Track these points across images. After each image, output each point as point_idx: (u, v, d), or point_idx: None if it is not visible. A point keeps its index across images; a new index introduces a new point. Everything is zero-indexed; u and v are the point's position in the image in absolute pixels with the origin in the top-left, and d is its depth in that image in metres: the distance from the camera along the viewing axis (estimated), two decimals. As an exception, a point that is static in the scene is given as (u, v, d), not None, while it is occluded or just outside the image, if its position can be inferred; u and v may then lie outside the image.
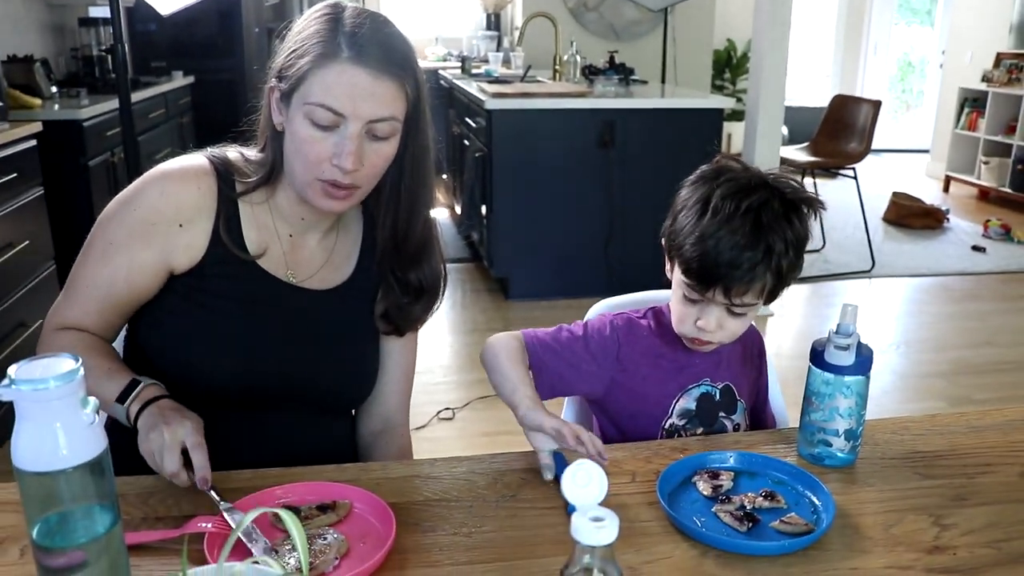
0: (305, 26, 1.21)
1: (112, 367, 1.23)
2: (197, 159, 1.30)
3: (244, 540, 1.00)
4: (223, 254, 1.27)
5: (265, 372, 1.30)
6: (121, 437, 1.29)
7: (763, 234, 1.22)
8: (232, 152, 1.33)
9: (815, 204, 1.29)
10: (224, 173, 1.29)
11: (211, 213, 1.27)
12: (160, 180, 1.27)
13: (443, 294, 1.43)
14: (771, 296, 1.30)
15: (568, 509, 1.08)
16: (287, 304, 1.32)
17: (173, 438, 1.08)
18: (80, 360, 0.81)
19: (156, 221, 1.25)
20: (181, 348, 1.28)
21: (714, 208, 1.24)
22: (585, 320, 1.45)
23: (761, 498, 1.13)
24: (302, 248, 1.35)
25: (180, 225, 1.25)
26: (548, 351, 1.35)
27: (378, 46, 1.17)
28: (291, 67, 1.19)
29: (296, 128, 1.19)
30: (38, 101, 3.98)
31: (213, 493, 1.07)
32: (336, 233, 1.38)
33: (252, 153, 1.33)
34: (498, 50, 7.06)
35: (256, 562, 0.78)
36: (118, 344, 1.38)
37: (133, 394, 1.17)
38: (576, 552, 0.68)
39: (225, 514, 1.04)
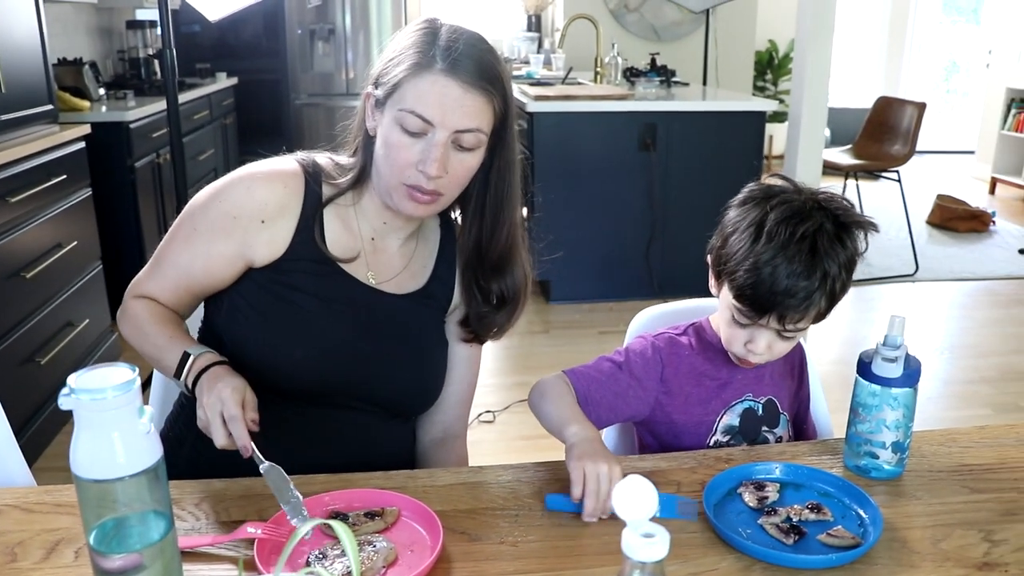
0: (403, 38, 1.26)
1: (174, 335, 1.29)
2: (287, 161, 1.36)
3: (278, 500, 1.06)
4: (304, 252, 1.32)
5: (337, 369, 1.33)
6: (174, 444, 1.33)
7: (819, 261, 1.21)
8: (322, 157, 1.38)
9: (868, 227, 1.28)
10: (312, 175, 1.34)
11: (296, 212, 1.32)
12: (248, 178, 1.32)
13: (524, 306, 1.45)
14: (822, 318, 1.29)
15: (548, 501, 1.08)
16: (364, 305, 1.35)
17: (213, 411, 1.13)
18: (137, 371, 0.82)
19: (238, 215, 1.30)
20: (256, 337, 1.31)
21: (768, 233, 1.22)
22: (625, 345, 1.44)
23: (807, 510, 1.13)
24: (382, 252, 1.38)
25: (262, 221, 1.30)
26: (593, 384, 1.35)
27: (471, 61, 1.22)
28: (387, 74, 1.24)
29: (387, 132, 1.24)
30: (86, 103, 4.06)
31: (256, 455, 1.12)
32: (416, 240, 1.42)
33: (343, 158, 1.38)
34: (539, 52, 7.06)
35: (311, 572, 0.79)
36: (193, 325, 1.43)
37: (187, 366, 1.22)
38: (626, 568, 0.68)
39: (264, 474, 1.09)
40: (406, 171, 1.23)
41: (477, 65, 1.22)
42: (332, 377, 1.33)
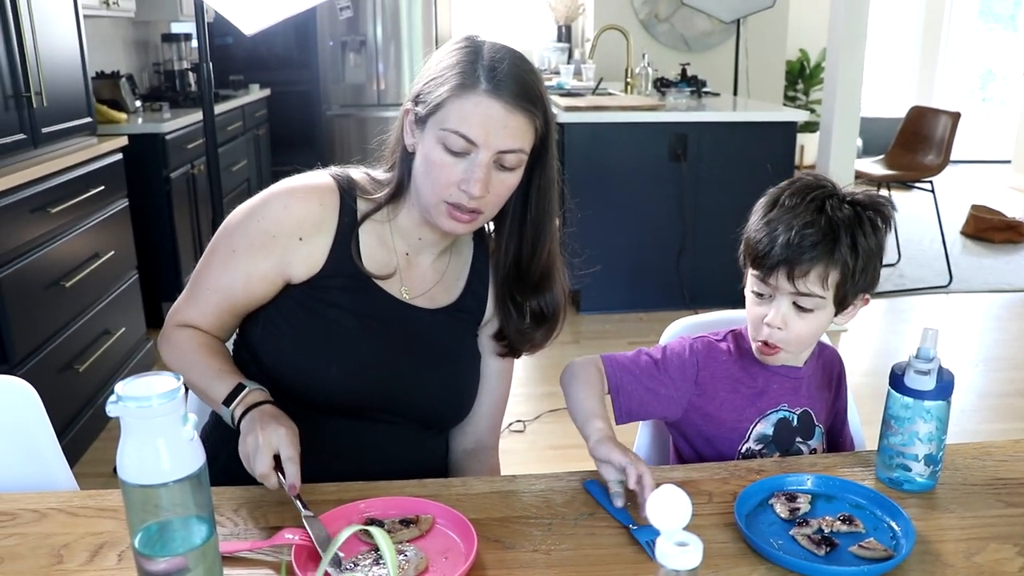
0: (445, 56, 1.27)
1: (223, 368, 1.29)
2: (321, 176, 1.37)
3: (318, 549, 1.04)
4: (340, 268, 1.33)
5: (372, 384, 1.34)
6: (216, 448, 1.35)
7: (824, 216, 1.25)
8: (357, 172, 1.40)
9: (885, 208, 1.30)
10: (347, 190, 1.35)
11: (332, 229, 1.33)
12: (284, 195, 1.34)
13: (563, 322, 1.46)
14: (840, 300, 1.29)
15: (636, 535, 1.09)
16: (399, 319, 1.36)
17: (267, 442, 1.13)
18: (181, 379, 0.85)
19: (277, 233, 1.31)
20: (292, 353, 1.33)
21: (781, 202, 1.29)
22: (664, 343, 1.46)
23: (839, 522, 1.13)
24: (416, 267, 1.40)
25: (300, 239, 1.31)
26: (627, 375, 1.36)
27: (514, 81, 1.23)
28: (430, 93, 1.25)
29: (428, 151, 1.25)
30: (123, 116, 4.12)
31: (298, 502, 1.10)
32: (449, 255, 1.43)
33: (378, 173, 1.39)
34: (569, 62, 7.08)
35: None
36: (228, 342, 1.45)
37: (238, 398, 1.23)
38: (660, 576, 0.69)
39: (306, 523, 1.07)
40: (447, 190, 1.24)
41: (520, 86, 1.23)
42: (367, 392, 1.34)
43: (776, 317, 1.29)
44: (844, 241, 1.25)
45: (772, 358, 1.35)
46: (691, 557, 0.68)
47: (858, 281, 1.28)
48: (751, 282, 1.33)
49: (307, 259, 1.32)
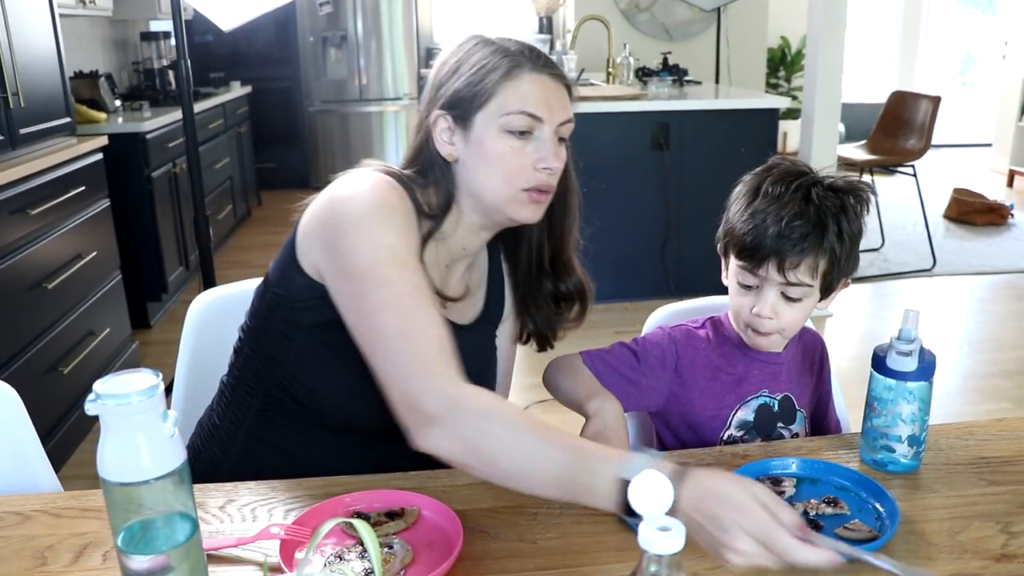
0: (466, 56, 1.25)
1: (574, 442, 0.99)
2: (384, 175, 1.23)
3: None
4: None
5: None
6: (208, 466, 1.32)
7: (812, 205, 1.25)
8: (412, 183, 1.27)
9: (864, 192, 1.31)
10: (414, 194, 1.25)
11: (417, 230, 1.23)
12: (390, 186, 1.20)
13: (593, 296, 1.45)
14: (826, 286, 1.30)
15: (628, 522, 1.09)
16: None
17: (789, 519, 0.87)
18: (160, 375, 0.84)
19: (412, 224, 1.20)
20: (345, 376, 1.21)
21: (764, 192, 1.29)
22: (643, 334, 1.46)
23: (824, 504, 1.13)
24: (449, 279, 1.34)
25: (416, 239, 1.21)
26: (607, 368, 1.37)
27: (546, 57, 1.26)
28: (470, 90, 1.22)
29: (491, 144, 1.22)
30: (103, 115, 4.10)
31: None
32: (472, 266, 1.39)
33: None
34: (551, 53, 7.07)
35: (332, 571, 0.80)
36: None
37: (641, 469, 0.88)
38: (644, 561, 0.69)
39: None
40: (523, 175, 1.22)
41: (551, 60, 1.26)
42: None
43: (766, 307, 1.29)
44: (832, 230, 1.25)
45: (765, 341, 1.35)
46: (674, 542, 0.68)
47: (843, 267, 1.29)
48: (736, 272, 1.32)
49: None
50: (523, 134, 1.22)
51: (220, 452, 1.34)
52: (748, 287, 1.31)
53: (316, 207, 1.21)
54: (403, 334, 1.08)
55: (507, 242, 1.41)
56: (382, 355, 1.09)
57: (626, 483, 0.85)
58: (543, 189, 1.24)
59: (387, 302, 1.09)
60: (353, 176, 1.22)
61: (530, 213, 1.26)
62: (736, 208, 1.31)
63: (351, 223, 1.14)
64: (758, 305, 1.29)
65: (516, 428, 1.00)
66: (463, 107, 1.23)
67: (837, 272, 1.29)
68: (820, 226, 1.25)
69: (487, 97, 1.22)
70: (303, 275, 1.22)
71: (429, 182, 1.28)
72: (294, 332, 1.24)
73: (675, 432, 1.42)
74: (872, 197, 1.32)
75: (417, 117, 1.33)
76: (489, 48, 1.25)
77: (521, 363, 1.57)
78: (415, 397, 1.04)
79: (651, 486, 0.71)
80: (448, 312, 1.29)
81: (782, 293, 1.28)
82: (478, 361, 1.38)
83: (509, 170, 1.22)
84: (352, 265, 1.13)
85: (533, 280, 1.40)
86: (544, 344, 1.46)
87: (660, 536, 0.68)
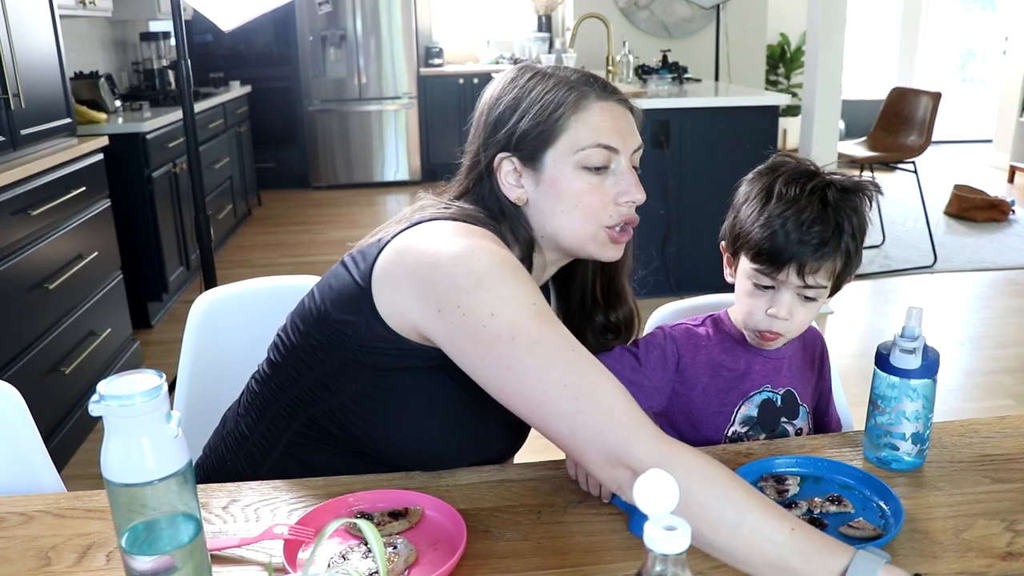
0: (523, 92, 1.19)
1: (797, 526, 0.89)
2: (471, 226, 1.15)
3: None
4: None
5: (480, 452, 1.25)
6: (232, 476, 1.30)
7: (830, 209, 1.25)
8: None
9: (870, 189, 1.30)
10: (502, 236, 1.19)
11: None
12: (489, 239, 1.13)
13: (640, 325, 1.41)
14: (836, 283, 1.30)
15: (631, 524, 1.09)
16: None
17: None
18: (163, 376, 0.84)
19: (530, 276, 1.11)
20: (410, 424, 1.18)
21: (779, 194, 1.27)
22: (643, 335, 1.45)
23: (828, 502, 1.13)
24: None
25: None
26: None
27: (606, 83, 1.21)
28: (540, 125, 1.16)
29: (567, 184, 1.17)
30: (103, 116, 4.10)
31: None
32: None
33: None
34: (550, 52, 7.07)
35: (337, 571, 0.80)
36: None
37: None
38: (649, 560, 0.69)
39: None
40: (605, 211, 1.18)
41: (610, 85, 1.21)
42: (468, 460, 1.23)
43: (783, 309, 1.29)
44: (847, 232, 1.25)
45: (772, 343, 1.35)
46: (680, 541, 0.68)
47: (853, 265, 1.29)
48: (750, 274, 1.30)
49: None
50: (600, 169, 1.17)
51: (248, 466, 1.28)
52: (763, 288, 1.30)
53: (407, 262, 1.11)
54: (584, 393, 0.99)
55: (559, 277, 1.36)
56: (558, 417, 1.00)
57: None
58: (628, 223, 1.20)
59: (551, 361, 1.01)
60: (440, 230, 1.13)
61: (613, 252, 1.22)
62: (750, 210, 1.29)
63: (473, 283, 1.04)
64: (775, 307, 1.29)
65: (729, 495, 0.91)
66: (531, 147, 1.17)
67: (847, 271, 1.29)
68: (838, 229, 1.24)
69: (557, 134, 1.16)
70: (384, 327, 1.12)
71: (504, 227, 1.21)
72: (362, 372, 1.17)
73: (679, 430, 1.41)
74: (877, 194, 1.32)
75: (467, 156, 1.26)
76: (549, 81, 1.19)
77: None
78: (622, 454, 0.96)
79: (657, 485, 0.71)
80: None
81: (798, 294, 1.28)
82: None
83: (590, 208, 1.17)
84: (491, 327, 1.02)
85: (585, 315, 1.37)
86: None
87: (666, 535, 0.68)
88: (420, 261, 1.09)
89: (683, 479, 0.83)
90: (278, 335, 1.29)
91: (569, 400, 0.99)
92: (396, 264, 1.12)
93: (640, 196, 1.19)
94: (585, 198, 1.17)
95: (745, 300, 1.33)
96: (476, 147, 1.23)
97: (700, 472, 0.92)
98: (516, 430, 1.31)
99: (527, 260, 1.22)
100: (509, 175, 1.20)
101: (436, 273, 1.07)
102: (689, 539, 0.68)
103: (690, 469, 0.92)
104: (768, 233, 1.25)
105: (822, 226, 1.23)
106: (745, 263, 1.31)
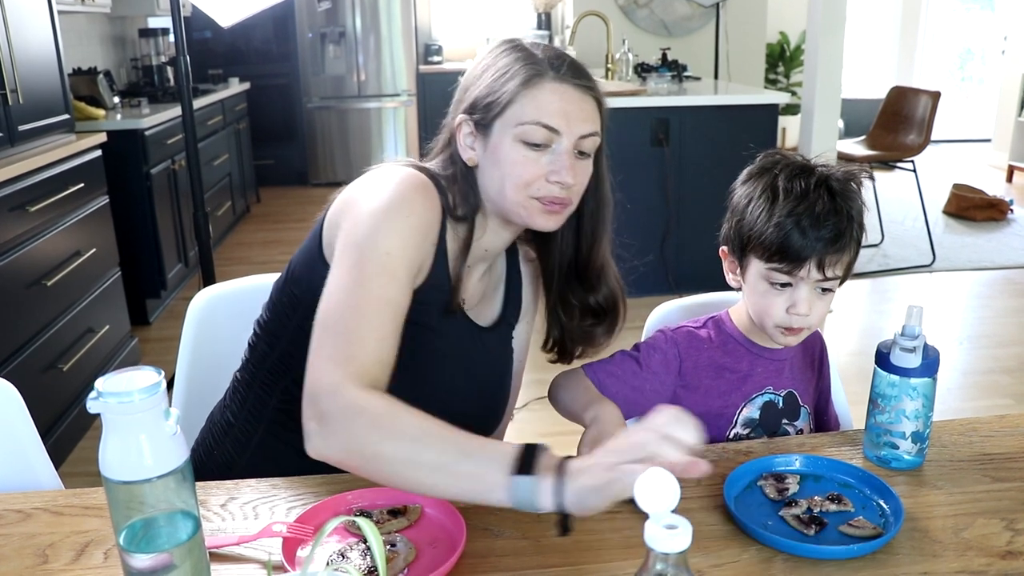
0: (493, 60, 1.24)
1: (471, 440, 0.99)
2: (417, 172, 1.22)
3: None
4: (436, 283, 1.23)
5: (450, 413, 1.21)
6: (223, 467, 1.31)
7: (839, 200, 1.26)
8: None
9: (859, 176, 1.31)
10: (444, 191, 1.25)
11: (437, 233, 1.22)
12: (421, 188, 1.20)
13: (625, 313, 1.41)
14: (849, 270, 1.31)
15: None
16: (470, 342, 1.32)
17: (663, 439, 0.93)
18: (162, 373, 0.83)
19: (427, 232, 1.19)
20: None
21: (784, 191, 1.27)
22: (644, 339, 1.45)
23: (828, 501, 1.13)
24: (467, 280, 1.32)
25: (432, 243, 1.21)
26: (610, 379, 1.36)
27: (574, 66, 1.22)
28: (491, 95, 1.20)
29: (505, 152, 1.20)
30: (102, 112, 4.09)
31: None
32: (490, 269, 1.38)
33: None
34: (549, 49, 7.06)
35: (336, 569, 0.80)
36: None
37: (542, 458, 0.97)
38: (650, 559, 0.69)
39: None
40: (533, 185, 1.19)
41: (579, 70, 1.22)
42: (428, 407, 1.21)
43: (803, 305, 1.28)
44: (855, 221, 1.27)
45: (795, 339, 1.34)
46: (680, 539, 0.68)
47: (858, 252, 1.31)
48: (764, 274, 1.29)
49: (423, 265, 1.20)
50: (538, 146, 1.18)
51: (235, 451, 1.32)
52: (780, 287, 1.29)
53: (343, 198, 1.21)
54: (339, 310, 1.08)
55: (538, 246, 1.39)
56: (318, 339, 1.07)
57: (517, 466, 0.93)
58: (556, 200, 1.21)
59: (354, 299, 1.08)
60: (384, 169, 1.22)
61: (544, 221, 1.23)
62: (756, 210, 1.28)
63: (366, 215, 1.14)
64: (795, 304, 1.28)
65: (395, 424, 0.99)
66: (483, 113, 1.21)
67: (854, 258, 1.31)
68: (849, 219, 1.26)
69: (505, 105, 1.19)
70: (327, 267, 1.17)
71: (455, 183, 1.26)
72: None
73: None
74: (869, 177, 1.34)
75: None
76: (516, 54, 1.22)
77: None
78: (335, 384, 1.02)
79: (657, 484, 0.71)
80: (470, 314, 1.32)
81: (815, 287, 1.29)
82: (499, 361, 1.39)
83: (521, 179, 1.19)
84: (347, 254, 1.12)
85: (565, 286, 1.37)
86: (563, 356, 1.42)
87: (666, 534, 0.68)
88: (347, 195, 1.21)
89: (409, 419, 0.99)
90: (256, 320, 1.34)
91: (331, 333, 1.06)
92: (334, 204, 1.23)
93: (568, 179, 1.18)
94: (517, 168, 1.19)
95: (760, 301, 1.32)
96: (451, 107, 1.29)
97: (411, 411, 1.00)
98: (489, 387, 1.35)
99: (470, 220, 1.26)
100: (466, 137, 1.25)
101: (348, 205, 1.19)
102: (690, 538, 0.68)
103: (415, 415, 0.99)
104: (783, 232, 1.25)
105: (836, 217, 1.24)
106: (758, 264, 1.30)
